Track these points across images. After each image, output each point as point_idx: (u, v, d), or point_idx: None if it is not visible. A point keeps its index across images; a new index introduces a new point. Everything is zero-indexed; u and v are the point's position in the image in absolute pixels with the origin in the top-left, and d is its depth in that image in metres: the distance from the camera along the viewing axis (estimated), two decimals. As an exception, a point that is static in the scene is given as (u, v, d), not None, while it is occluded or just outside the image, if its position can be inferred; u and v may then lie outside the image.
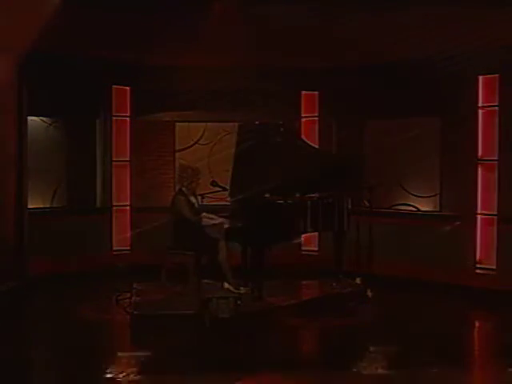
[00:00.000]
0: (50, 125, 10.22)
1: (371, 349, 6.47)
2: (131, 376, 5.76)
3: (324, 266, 9.17)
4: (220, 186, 8.31)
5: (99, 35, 8.36)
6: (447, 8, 7.41)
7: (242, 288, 7.84)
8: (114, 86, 10.47)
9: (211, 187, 8.32)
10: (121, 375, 5.76)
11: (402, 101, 9.86)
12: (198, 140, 10.95)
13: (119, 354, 6.35)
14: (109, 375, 5.76)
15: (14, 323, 7.54)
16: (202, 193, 8.26)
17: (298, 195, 8.31)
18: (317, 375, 5.97)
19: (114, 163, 10.60)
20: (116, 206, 10.61)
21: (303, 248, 10.80)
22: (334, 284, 8.64)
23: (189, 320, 7.07)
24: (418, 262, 9.44)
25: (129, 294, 8.21)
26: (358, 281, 8.69)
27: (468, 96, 9.32)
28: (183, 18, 7.88)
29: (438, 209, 9.98)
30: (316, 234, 10.11)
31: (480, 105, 9.37)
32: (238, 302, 7.31)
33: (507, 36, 7.95)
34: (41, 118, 10.05)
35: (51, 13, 5.23)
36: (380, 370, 5.98)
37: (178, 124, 10.94)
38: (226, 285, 7.88)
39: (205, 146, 10.91)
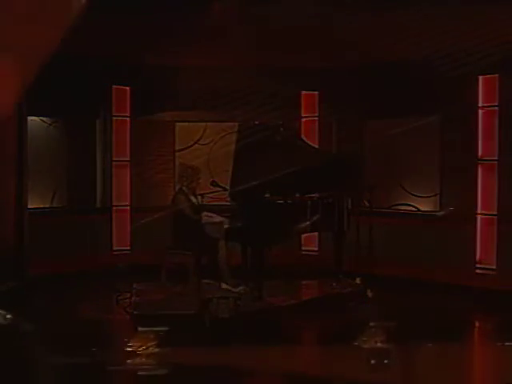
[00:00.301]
0: (50, 125, 10.23)
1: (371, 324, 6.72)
2: (150, 349, 6.12)
3: (324, 266, 9.17)
4: (220, 186, 8.32)
5: (99, 35, 8.36)
6: (447, 7, 7.41)
7: (240, 288, 7.85)
8: (114, 86, 10.48)
9: (211, 187, 8.33)
10: (140, 348, 6.13)
11: (401, 101, 9.87)
12: (198, 140, 10.95)
13: (140, 329, 6.64)
14: (129, 348, 6.15)
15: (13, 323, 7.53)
16: (201, 193, 8.27)
17: (297, 195, 8.33)
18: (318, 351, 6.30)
19: (114, 163, 10.61)
20: (116, 206, 10.62)
21: (303, 248, 10.82)
22: (333, 284, 8.64)
23: (189, 320, 7.08)
24: (417, 261, 9.44)
25: (129, 294, 8.22)
26: (357, 281, 8.69)
27: (468, 96, 9.33)
28: (183, 18, 7.88)
29: (438, 209, 9.99)
30: (316, 234, 10.13)
31: (480, 105, 9.37)
32: (238, 302, 7.33)
33: (507, 35, 7.95)
34: (41, 118, 10.07)
35: (73, 20, 5.25)
36: (379, 344, 6.27)
37: (177, 124, 10.94)
38: (224, 285, 7.89)
39: (205, 146, 10.92)
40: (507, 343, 6.55)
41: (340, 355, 6.31)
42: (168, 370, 5.85)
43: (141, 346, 6.18)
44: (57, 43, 5.10)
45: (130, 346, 6.21)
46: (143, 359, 5.99)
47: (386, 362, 6.03)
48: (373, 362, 5.99)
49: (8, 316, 4.85)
